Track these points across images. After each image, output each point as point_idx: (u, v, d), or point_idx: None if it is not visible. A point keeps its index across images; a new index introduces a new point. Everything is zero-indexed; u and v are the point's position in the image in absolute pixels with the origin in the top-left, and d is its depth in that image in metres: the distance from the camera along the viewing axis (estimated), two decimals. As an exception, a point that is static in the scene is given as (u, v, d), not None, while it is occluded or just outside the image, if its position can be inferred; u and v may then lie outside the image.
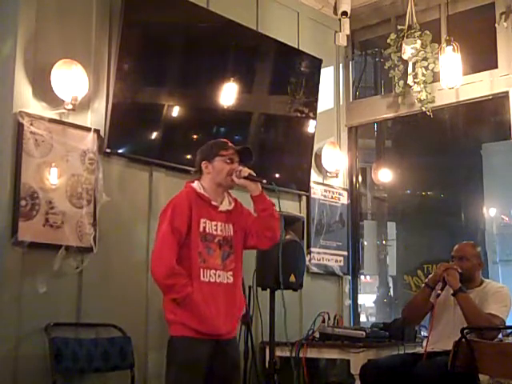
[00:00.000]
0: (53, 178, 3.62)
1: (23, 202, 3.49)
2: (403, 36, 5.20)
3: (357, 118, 5.79)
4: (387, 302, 8.63)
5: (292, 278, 3.88)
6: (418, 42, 5.12)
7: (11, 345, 3.39)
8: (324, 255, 5.30)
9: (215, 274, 2.91)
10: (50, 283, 3.54)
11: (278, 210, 3.07)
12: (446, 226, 8.52)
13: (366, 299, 8.70)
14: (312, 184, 5.27)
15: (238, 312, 3.03)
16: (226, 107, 4.58)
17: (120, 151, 4.00)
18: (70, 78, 3.67)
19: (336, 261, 5.40)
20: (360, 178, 5.99)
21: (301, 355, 4.32)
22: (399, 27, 5.30)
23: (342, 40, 5.73)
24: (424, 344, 3.83)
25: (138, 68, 4.08)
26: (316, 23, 5.56)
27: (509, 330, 3.87)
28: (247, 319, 3.69)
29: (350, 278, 5.56)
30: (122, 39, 3.93)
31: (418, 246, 8.82)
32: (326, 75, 5.53)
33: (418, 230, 9.01)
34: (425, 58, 5.15)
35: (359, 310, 5.95)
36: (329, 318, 4.60)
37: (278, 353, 4.23)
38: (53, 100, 3.68)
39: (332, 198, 5.47)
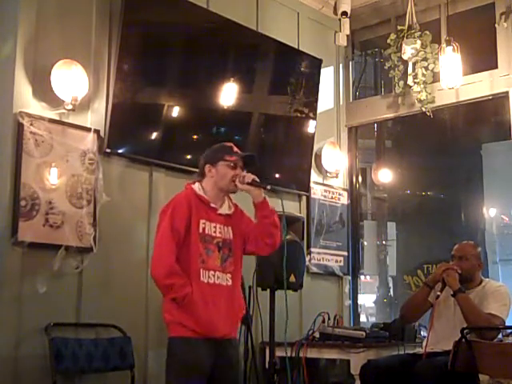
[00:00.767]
0: (53, 178, 3.62)
1: (23, 202, 3.49)
2: (403, 36, 5.20)
3: (357, 118, 5.79)
4: (387, 302, 8.64)
5: (292, 278, 3.87)
6: (418, 42, 5.12)
7: (11, 345, 3.39)
8: (324, 255, 5.30)
9: (214, 276, 2.91)
10: (49, 283, 3.53)
11: (282, 212, 3.09)
12: (446, 226, 8.53)
13: (366, 299, 8.71)
14: (312, 184, 5.27)
15: (237, 314, 3.02)
16: (225, 107, 4.58)
17: (120, 151, 4.00)
18: (70, 79, 3.67)
19: (336, 261, 5.40)
20: (360, 179, 5.99)
21: (301, 355, 4.32)
22: (399, 27, 5.30)
23: (342, 40, 5.73)
24: (424, 344, 3.83)
25: (138, 68, 4.08)
26: (316, 23, 5.56)
27: (509, 330, 3.87)
28: (247, 319, 3.68)
29: (350, 278, 5.56)
30: (121, 39, 3.93)
31: (417, 246, 8.83)
32: (326, 75, 5.53)
33: (418, 230, 9.02)
34: (425, 59, 5.15)
35: (359, 310, 5.95)
36: (329, 318, 4.59)
37: (278, 353, 4.23)
38: (53, 100, 3.68)
39: (332, 198, 5.47)
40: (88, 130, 3.84)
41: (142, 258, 3.96)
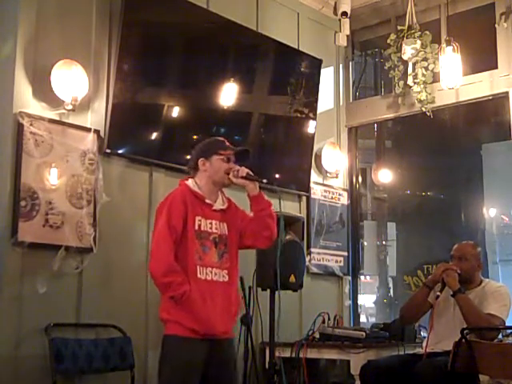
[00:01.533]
0: (53, 178, 3.62)
1: (23, 203, 3.49)
2: (403, 36, 5.20)
3: (357, 118, 5.79)
4: (387, 303, 8.62)
5: (292, 279, 3.88)
6: (418, 42, 5.12)
7: (11, 345, 3.39)
8: (324, 255, 5.30)
9: (211, 272, 2.91)
10: (49, 283, 3.54)
11: (278, 210, 3.07)
12: (446, 226, 8.51)
13: (366, 300, 8.69)
14: (312, 184, 5.27)
15: (233, 311, 3.01)
16: (225, 107, 4.58)
17: (120, 151, 4.00)
18: (70, 79, 3.67)
19: (336, 261, 5.40)
20: (360, 179, 5.99)
21: (301, 355, 4.32)
22: (399, 27, 5.30)
23: (342, 40, 5.74)
24: (424, 344, 3.83)
25: (138, 68, 4.08)
26: (316, 23, 5.56)
27: (509, 330, 3.87)
28: (247, 319, 3.68)
29: (349, 278, 5.56)
30: (121, 39, 3.93)
31: (417, 247, 8.82)
32: (326, 75, 5.54)
33: (418, 230, 9.00)
34: (425, 59, 5.15)
35: (359, 310, 5.95)
36: (329, 319, 4.59)
37: (278, 353, 4.23)
38: (53, 100, 3.68)
39: (332, 198, 5.47)
40: (88, 130, 3.84)
41: (141, 258, 3.95)
